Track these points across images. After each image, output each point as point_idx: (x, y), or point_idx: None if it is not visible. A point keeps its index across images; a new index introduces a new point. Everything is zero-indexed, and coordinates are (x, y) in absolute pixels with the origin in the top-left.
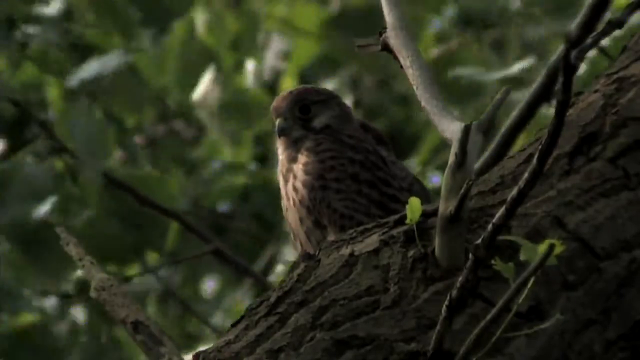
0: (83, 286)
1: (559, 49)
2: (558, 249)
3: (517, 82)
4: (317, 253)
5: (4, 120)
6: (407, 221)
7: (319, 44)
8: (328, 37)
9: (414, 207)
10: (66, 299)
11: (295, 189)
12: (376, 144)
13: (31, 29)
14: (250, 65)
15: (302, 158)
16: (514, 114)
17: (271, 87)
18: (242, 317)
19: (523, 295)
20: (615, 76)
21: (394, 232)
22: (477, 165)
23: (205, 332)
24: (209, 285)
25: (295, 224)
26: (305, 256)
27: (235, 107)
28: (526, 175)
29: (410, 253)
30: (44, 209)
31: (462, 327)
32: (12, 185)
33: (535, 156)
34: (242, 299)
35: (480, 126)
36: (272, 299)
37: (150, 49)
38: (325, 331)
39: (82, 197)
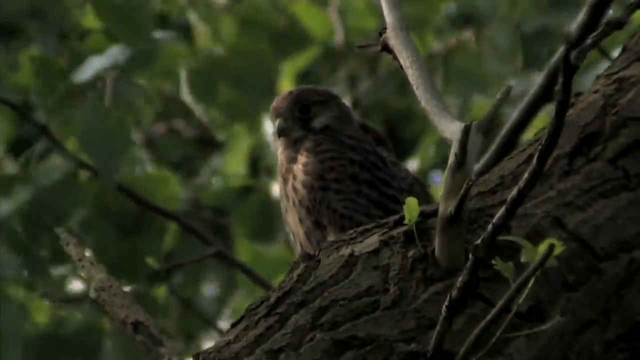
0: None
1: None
2: (558, 250)
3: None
4: (317, 253)
5: (4, 123)
6: (406, 221)
7: None
8: None
9: (411, 207)
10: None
11: (295, 189)
12: (376, 145)
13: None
14: None
15: (302, 158)
16: (515, 114)
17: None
18: (242, 318)
19: (523, 296)
20: (615, 76)
21: (394, 232)
22: (478, 166)
23: (206, 332)
24: (211, 291)
25: (295, 225)
26: (305, 256)
27: None
28: (526, 175)
29: (410, 253)
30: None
31: (462, 328)
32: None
33: (535, 156)
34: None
35: (480, 126)
36: (272, 300)
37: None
38: (325, 331)
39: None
